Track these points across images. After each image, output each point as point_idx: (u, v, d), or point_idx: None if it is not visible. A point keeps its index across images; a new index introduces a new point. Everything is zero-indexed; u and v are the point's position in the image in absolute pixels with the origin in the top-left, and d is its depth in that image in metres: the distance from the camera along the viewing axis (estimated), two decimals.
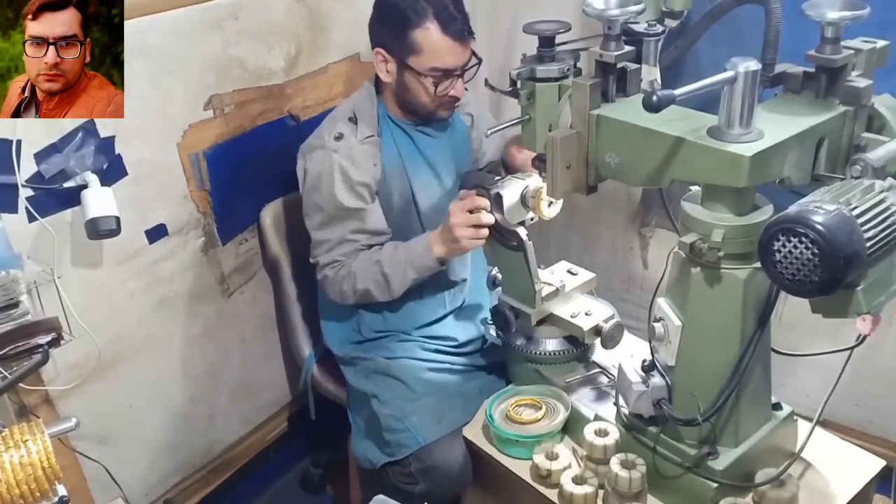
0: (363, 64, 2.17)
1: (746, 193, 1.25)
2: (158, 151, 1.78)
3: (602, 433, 1.53)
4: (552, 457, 1.56)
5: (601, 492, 1.50)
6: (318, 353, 2.07)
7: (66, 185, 1.61)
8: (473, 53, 1.73)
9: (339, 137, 1.77)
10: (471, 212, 1.65)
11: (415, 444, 1.68)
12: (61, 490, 1.17)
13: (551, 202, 1.66)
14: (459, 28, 1.67)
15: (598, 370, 1.77)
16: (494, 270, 1.80)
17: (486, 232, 1.67)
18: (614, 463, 1.46)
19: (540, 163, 1.49)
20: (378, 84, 1.82)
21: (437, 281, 1.87)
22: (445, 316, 1.93)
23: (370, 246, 1.80)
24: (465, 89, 1.79)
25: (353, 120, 1.79)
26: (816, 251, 0.98)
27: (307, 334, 2.09)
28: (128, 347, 1.86)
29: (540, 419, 1.67)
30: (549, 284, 1.73)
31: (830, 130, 1.22)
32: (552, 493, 1.54)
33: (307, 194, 1.81)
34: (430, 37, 1.66)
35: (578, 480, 1.50)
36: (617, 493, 1.45)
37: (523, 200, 1.66)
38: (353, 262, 1.77)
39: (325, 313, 1.99)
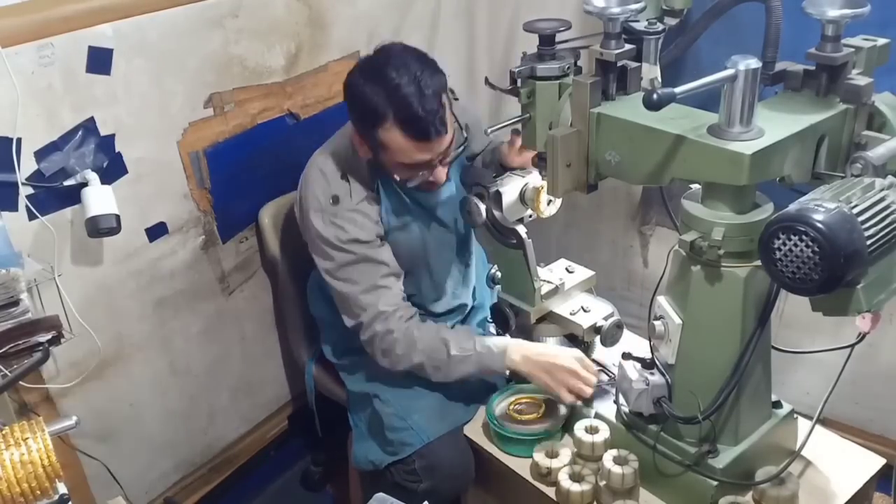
0: None
1: (747, 191, 1.25)
2: (159, 150, 1.78)
3: (592, 430, 1.54)
4: (552, 455, 1.56)
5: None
6: (316, 354, 2.06)
7: (67, 183, 1.60)
8: (459, 131, 1.63)
9: (336, 201, 1.66)
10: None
11: (418, 442, 1.68)
12: (61, 488, 1.17)
13: (550, 200, 1.66)
14: (424, 129, 1.52)
15: (598, 368, 1.77)
16: (494, 268, 1.80)
17: (587, 392, 1.61)
18: (607, 459, 1.47)
19: (540, 161, 1.49)
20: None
21: (437, 305, 1.87)
22: None
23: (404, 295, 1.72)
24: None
25: (345, 178, 1.67)
26: (817, 249, 0.98)
27: (306, 333, 2.09)
28: (128, 345, 1.86)
29: (540, 417, 1.67)
30: (548, 282, 1.73)
31: (831, 128, 1.22)
32: (552, 491, 1.54)
33: (321, 253, 1.69)
34: (393, 138, 1.54)
35: (576, 478, 1.51)
36: (610, 489, 1.46)
37: (522, 198, 1.66)
38: (413, 326, 1.67)
39: (321, 324, 1.98)
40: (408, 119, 1.51)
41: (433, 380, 1.69)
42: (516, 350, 1.65)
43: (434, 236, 1.80)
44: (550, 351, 1.67)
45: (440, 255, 1.84)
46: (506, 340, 1.68)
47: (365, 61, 1.61)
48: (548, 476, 1.55)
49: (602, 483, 1.48)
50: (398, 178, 1.64)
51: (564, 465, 1.54)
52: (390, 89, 1.51)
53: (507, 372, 1.67)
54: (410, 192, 1.73)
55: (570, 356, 1.63)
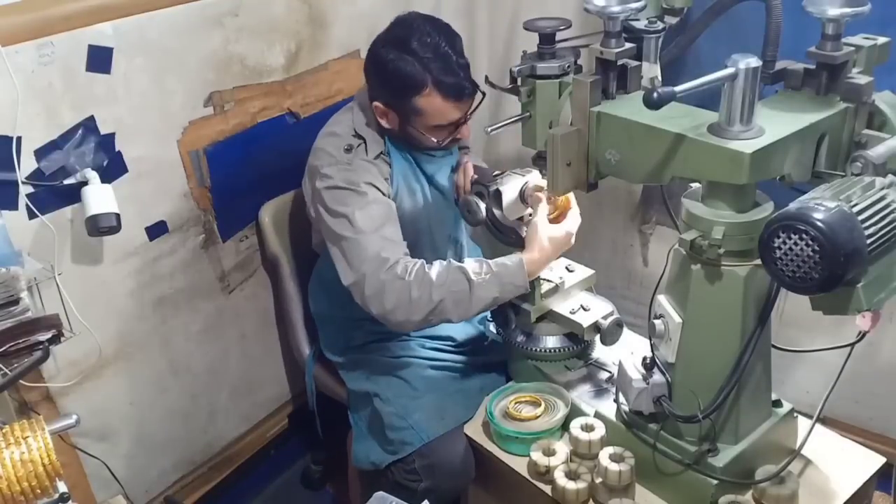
0: (363, 61, 2.16)
1: (747, 190, 1.25)
2: (159, 148, 1.78)
3: (588, 428, 1.54)
4: (549, 453, 1.56)
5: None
6: (316, 352, 2.06)
7: (67, 181, 1.60)
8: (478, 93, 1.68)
9: (350, 149, 1.69)
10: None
11: (418, 441, 1.68)
12: (62, 487, 1.17)
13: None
14: (461, 89, 1.62)
15: (598, 367, 1.77)
16: None
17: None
18: (603, 456, 1.47)
19: (540, 160, 1.49)
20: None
21: None
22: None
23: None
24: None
25: (358, 136, 1.72)
26: (817, 248, 0.98)
27: (306, 332, 2.09)
28: (128, 344, 1.86)
29: (539, 416, 1.67)
30: (548, 281, 1.73)
31: (831, 127, 1.22)
32: (550, 489, 1.54)
33: (331, 201, 1.65)
34: (432, 102, 1.63)
35: (572, 476, 1.51)
36: (606, 486, 1.46)
37: (522, 197, 1.66)
38: (423, 266, 1.58)
39: (320, 321, 1.98)
40: (446, 83, 1.61)
41: (453, 317, 1.58)
42: (527, 253, 1.61)
43: (435, 206, 1.82)
44: (555, 233, 1.62)
45: (440, 227, 1.86)
46: (517, 254, 1.63)
47: (387, 36, 1.68)
48: (545, 474, 1.55)
49: (598, 481, 1.48)
50: (434, 140, 1.69)
51: (561, 463, 1.54)
52: (424, 58, 1.61)
53: (528, 283, 1.60)
54: (417, 158, 1.78)
55: (569, 231, 1.64)
